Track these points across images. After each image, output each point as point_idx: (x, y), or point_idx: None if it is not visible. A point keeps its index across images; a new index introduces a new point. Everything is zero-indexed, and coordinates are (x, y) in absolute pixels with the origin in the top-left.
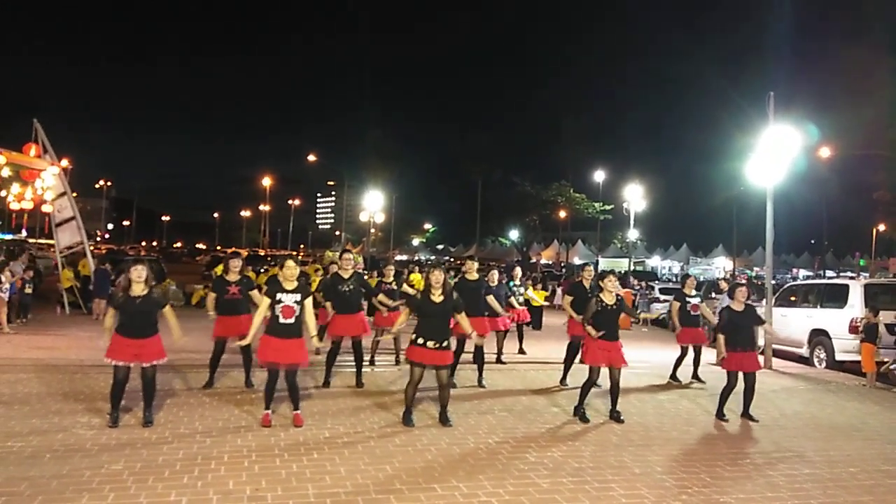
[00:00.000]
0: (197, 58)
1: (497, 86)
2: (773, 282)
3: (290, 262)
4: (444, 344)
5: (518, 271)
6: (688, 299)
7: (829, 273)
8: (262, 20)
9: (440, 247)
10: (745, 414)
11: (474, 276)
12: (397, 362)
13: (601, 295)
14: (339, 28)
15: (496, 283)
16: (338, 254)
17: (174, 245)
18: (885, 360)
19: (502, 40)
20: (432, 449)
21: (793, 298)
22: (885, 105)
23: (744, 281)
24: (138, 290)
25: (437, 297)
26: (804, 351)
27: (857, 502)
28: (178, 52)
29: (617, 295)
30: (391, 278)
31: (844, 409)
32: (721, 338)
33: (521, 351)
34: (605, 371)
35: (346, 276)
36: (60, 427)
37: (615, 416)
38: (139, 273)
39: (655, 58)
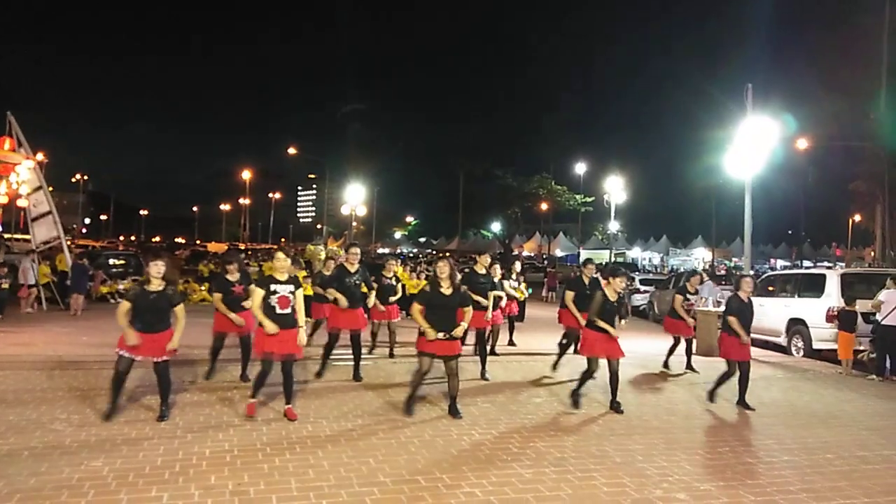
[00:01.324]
0: (175, 51)
1: (478, 80)
2: (752, 272)
3: (279, 255)
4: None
5: (518, 266)
6: (689, 295)
7: (807, 263)
8: (243, 12)
9: (422, 239)
10: (742, 402)
11: (483, 270)
12: (391, 355)
13: (605, 291)
14: (320, 21)
15: (499, 277)
16: (320, 247)
17: (152, 239)
18: (863, 348)
19: (482, 35)
20: (415, 441)
21: (771, 288)
22: (861, 96)
23: (748, 274)
24: (155, 285)
25: (445, 289)
26: (782, 340)
27: (833, 488)
28: (155, 45)
29: (618, 292)
30: (391, 274)
31: (822, 397)
32: (734, 319)
33: (511, 343)
34: (602, 361)
35: (351, 269)
36: (38, 424)
37: (615, 406)
38: (158, 269)
39: (635, 51)
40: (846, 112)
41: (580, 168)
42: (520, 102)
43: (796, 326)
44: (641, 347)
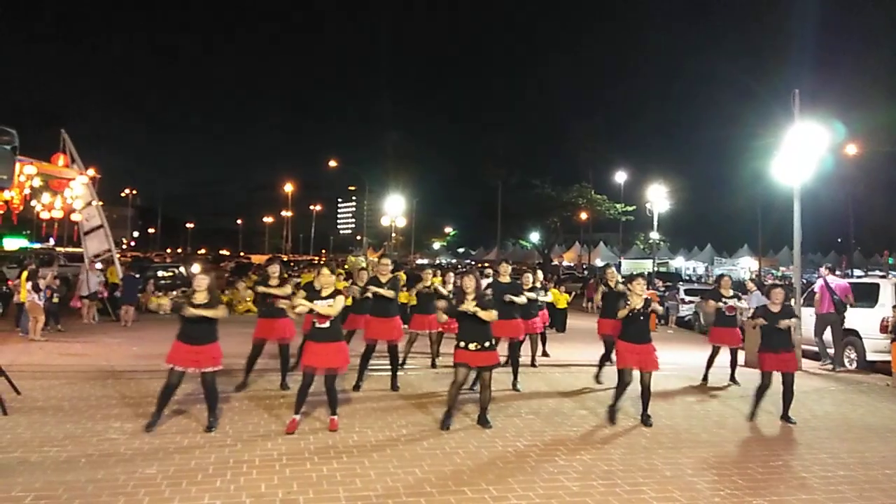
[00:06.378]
0: (218, 66)
1: (517, 88)
2: (802, 281)
3: (325, 270)
4: (487, 345)
5: (539, 274)
6: (724, 299)
7: (857, 272)
8: (284, 28)
9: (461, 250)
10: (785, 416)
11: (507, 278)
12: (433, 365)
13: (629, 298)
14: (360, 34)
15: (529, 285)
16: (361, 258)
17: (198, 252)
18: None
19: (522, 43)
20: (461, 452)
21: None
22: None
23: (778, 282)
24: (200, 298)
25: (469, 300)
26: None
27: None
28: (198, 61)
29: (645, 297)
30: (429, 281)
31: (877, 410)
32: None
33: (545, 353)
34: (635, 373)
35: (383, 280)
36: (94, 432)
37: (645, 419)
38: (199, 282)
39: (678, 56)
40: None
41: (620, 176)
42: (559, 111)
43: (849, 337)
44: (687, 359)
